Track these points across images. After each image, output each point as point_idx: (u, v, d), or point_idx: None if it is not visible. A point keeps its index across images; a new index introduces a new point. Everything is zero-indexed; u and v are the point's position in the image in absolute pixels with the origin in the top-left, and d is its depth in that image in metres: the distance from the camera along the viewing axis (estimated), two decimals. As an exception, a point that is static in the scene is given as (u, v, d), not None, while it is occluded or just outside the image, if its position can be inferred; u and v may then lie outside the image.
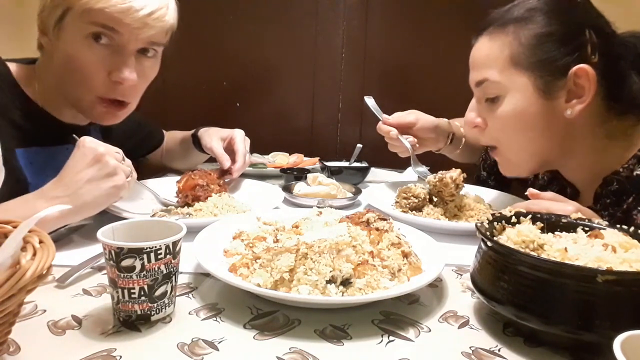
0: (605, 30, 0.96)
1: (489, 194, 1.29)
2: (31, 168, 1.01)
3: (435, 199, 1.21)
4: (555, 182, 1.17)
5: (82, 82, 0.98)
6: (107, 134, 1.24)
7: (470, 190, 1.23)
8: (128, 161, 0.92)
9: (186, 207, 1.13)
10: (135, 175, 0.94)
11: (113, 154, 0.88)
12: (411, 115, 1.30)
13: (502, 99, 0.98)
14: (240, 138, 1.30)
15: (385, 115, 1.30)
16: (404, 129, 1.29)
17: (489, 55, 0.99)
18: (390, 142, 1.30)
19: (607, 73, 0.93)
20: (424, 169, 1.31)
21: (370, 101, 1.35)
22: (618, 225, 0.72)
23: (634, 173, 0.94)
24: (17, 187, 0.93)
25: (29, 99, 1.03)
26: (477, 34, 1.04)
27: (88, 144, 0.87)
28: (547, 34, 0.93)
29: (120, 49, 0.97)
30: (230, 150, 1.30)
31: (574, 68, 0.92)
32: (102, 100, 1.01)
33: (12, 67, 1.04)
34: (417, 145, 1.30)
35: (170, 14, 1.00)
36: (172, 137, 1.55)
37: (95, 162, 0.85)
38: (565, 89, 0.94)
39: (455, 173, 1.14)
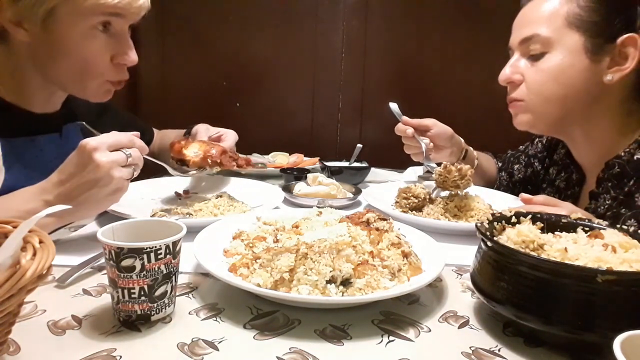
0: None
1: (489, 194, 1.29)
2: None
3: (435, 198, 1.21)
4: (563, 172, 1.21)
5: (87, 70, 1.00)
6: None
7: (470, 190, 1.23)
8: (135, 154, 0.87)
9: (186, 207, 1.13)
10: (140, 165, 0.90)
11: (117, 163, 0.83)
12: (429, 120, 1.34)
13: (546, 55, 1.02)
14: (230, 134, 1.31)
15: (404, 117, 1.34)
16: (421, 132, 1.33)
17: (544, 13, 1.02)
18: (406, 142, 1.34)
19: None
20: (434, 164, 1.32)
21: (394, 106, 1.38)
22: (618, 226, 0.72)
23: (635, 157, 0.98)
24: None
25: None
26: None
27: (91, 152, 0.81)
28: (605, 0, 0.98)
29: (119, 34, 1.01)
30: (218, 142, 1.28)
31: (624, 36, 0.96)
32: (107, 81, 1.04)
33: None
34: (433, 150, 1.33)
35: None
36: (165, 135, 1.54)
37: (99, 178, 0.82)
38: (610, 55, 0.98)
39: (462, 165, 1.17)
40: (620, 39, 0.96)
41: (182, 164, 1.15)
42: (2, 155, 0.97)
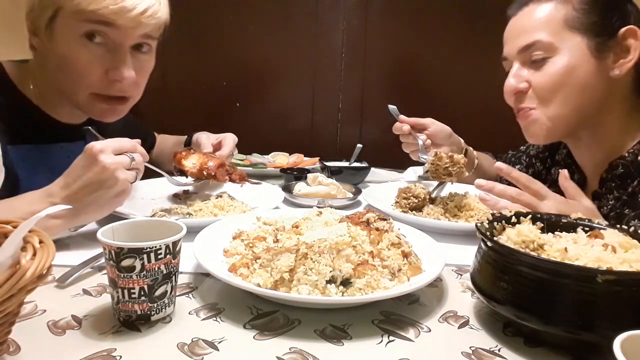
0: None
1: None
2: (23, 165, 1.01)
3: (434, 197, 1.21)
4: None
5: (78, 80, 0.99)
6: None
7: (471, 190, 1.23)
8: (138, 158, 0.89)
9: (186, 207, 1.13)
10: (142, 170, 0.92)
11: (122, 165, 0.85)
12: (427, 119, 1.34)
13: (550, 59, 1.02)
14: (230, 138, 1.31)
15: (402, 116, 1.34)
16: (419, 130, 1.33)
17: (541, 19, 1.03)
18: (404, 140, 1.35)
19: None
20: (428, 156, 1.32)
21: (392, 108, 1.38)
22: (618, 226, 0.72)
23: (639, 157, 0.99)
24: (6, 183, 0.92)
25: (24, 97, 1.04)
26: (519, 5, 1.08)
27: (96, 154, 0.83)
28: (598, 0, 1.00)
29: (115, 47, 0.98)
30: (218, 149, 1.30)
31: (624, 28, 0.97)
32: (98, 96, 1.01)
33: (7, 66, 1.05)
34: (431, 147, 1.32)
35: (163, 10, 1.00)
36: (164, 140, 1.55)
37: (104, 179, 0.83)
38: (613, 50, 0.99)
39: (454, 153, 1.18)
40: (620, 32, 0.97)
41: (181, 173, 1.19)
42: (13, 157, 0.98)
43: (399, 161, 1.60)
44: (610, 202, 1.01)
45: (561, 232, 0.74)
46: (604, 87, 1.00)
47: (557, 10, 1.01)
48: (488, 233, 0.70)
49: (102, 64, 0.98)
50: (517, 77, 1.06)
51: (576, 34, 0.99)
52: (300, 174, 1.45)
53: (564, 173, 0.96)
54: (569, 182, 0.96)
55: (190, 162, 1.16)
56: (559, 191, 1.22)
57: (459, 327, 0.68)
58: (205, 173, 1.14)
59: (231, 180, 1.16)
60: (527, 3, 1.06)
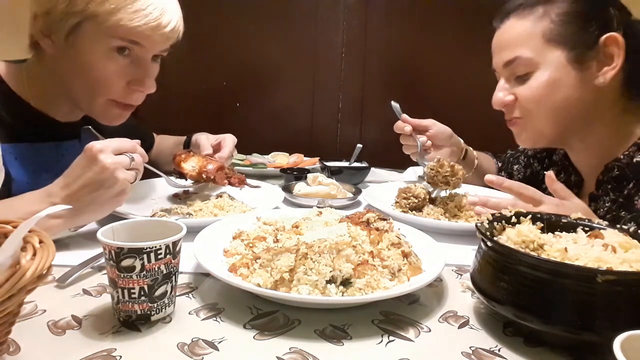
0: (626, 11, 1.02)
1: (489, 195, 1.29)
2: (16, 164, 1.01)
3: (434, 197, 1.21)
4: (562, 173, 1.22)
5: (99, 88, 1.00)
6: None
7: (471, 191, 1.23)
8: (138, 159, 0.90)
9: (186, 207, 1.13)
10: (142, 170, 0.92)
11: (121, 165, 0.86)
12: (428, 120, 1.35)
13: (532, 74, 1.02)
14: (229, 139, 1.31)
15: (404, 115, 1.35)
16: (420, 132, 1.34)
17: (520, 34, 1.03)
18: (404, 141, 1.35)
19: (629, 52, 0.98)
20: (427, 159, 1.33)
21: (395, 105, 1.39)
22: (618, 226, 0.72)
23: (634, 160, 0.98)
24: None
25: (17, 96, 1.04)
26: (502, 18, 1.08)
27: (96, 154, 0.84)
28: (576, 10, 0.99)
29: (140, 60, 1.01)
30: (218, 150, 1.30)
31: (604, 36, 0.97)
32: (115, 103, 1.04)
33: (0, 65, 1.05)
34: (431, 149, 1.33)
35: (182, 25, 1.04)
36: (163, 141, 1.56)
37: (104, 179, 0.84)
38: (595, 59, 0.98)
39: (456, 164, 1.18)
40: (600, 41, 0.97)
41: (180, 176, 1.19)
42: (5, 156, 0.98)
43: (399, 161, 1.60)
44: (607, 205, 1.02)
45: (561, 232, 0.74)
46: (590, 96, 1.00)
47: (535, 24, 1.01)
48: (488, 233, 0.70)
49: (126, 75, 1.01)
50: (503, 90, 1.08)
51: (556, 47, 0.99)
52: (300, 174, 1.45)
53: (550, 175, 0.96)
54: (556, 184, 0.96)
55: (190, 165, 1.17)
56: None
57: (459, 327, 0.68)
58: (204, 176, 1.15)
59: (230, 183, 1.17)
60: (509, 16, 1.06)
